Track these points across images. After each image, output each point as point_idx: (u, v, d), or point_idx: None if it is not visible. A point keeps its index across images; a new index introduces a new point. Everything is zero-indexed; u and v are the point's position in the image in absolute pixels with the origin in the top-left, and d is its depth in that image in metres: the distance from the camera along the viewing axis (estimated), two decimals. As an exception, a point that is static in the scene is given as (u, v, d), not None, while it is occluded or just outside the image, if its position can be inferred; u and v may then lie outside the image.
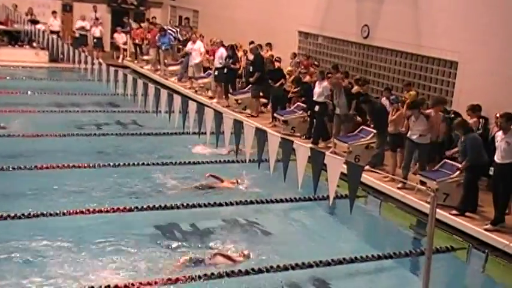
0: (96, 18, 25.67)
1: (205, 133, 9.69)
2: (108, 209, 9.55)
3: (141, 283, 7.39)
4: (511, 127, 9.74)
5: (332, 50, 17.99)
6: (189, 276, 7.61)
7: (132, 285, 7.33)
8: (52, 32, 23.08)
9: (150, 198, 10.50)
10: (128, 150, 13.35)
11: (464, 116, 11.74)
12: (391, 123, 12.09)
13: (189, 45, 20.64)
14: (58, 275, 7.65)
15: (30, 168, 11.14)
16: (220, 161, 12.66)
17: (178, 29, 23.94)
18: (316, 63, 17.67)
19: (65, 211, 9.29)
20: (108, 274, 7.74)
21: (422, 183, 10.85)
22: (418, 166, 11.77)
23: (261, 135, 8.12)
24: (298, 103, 15.49)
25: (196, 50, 20.27)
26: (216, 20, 23.68)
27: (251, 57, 17.68)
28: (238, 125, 8.64)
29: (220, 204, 10.28)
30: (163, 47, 22.36)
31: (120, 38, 25.44)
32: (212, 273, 7.74)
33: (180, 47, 22.72)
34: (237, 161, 11.56)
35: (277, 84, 16.24)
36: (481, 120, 11.81)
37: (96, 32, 24.96)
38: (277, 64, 17.11)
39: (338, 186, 6.79)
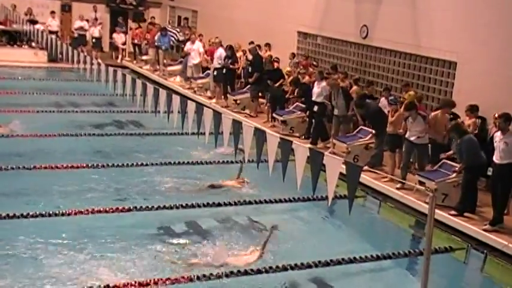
0: (95, 19, 25.67)
1: (204, 133, 9.69)
2: (107, 209, 9.54)
3: (140, 283, 7.39)
4: (510, 127, 9.76)
5: (331, 51, 18.00)
6: (188, 277, 7.62)
7: (132, 285, 7.33)
8: (50, 32, 23.06)
9: (149, 198, 10.50)
10: (127, 150, 13.36)
11: (463, 117, 11.78)
12: (390, 124, 12.10)
13: (188, 45, 20.65)
14: (57, 275, 7.65)
15: (29, 168, 11.13)
16: (218, 161, 12.66)
17: (178, 30, 23.92)
18: (315, 63, 17.69)
19: (64, 211, 9.29)
20: (108, 274, 7.74)
21: (421, 183, 10.86)
22: (417, 166, 11.79)
23: (260, 136, 8.13)
24: (297, 103, 15.51)
25: (195, 50, 20.28)
26: (215, 20, 23.68)
27: (250, 57, 17.69)
28: (237, 125, 8.64)
29: (219, 205, 10.28)
30: (163, 47, 22.38)
31: (119, 38, 25.44)
32: (211, 274, 7.74)
33: (183, 46, 22.65)
34: (236, 162, 11.55)
35: (277, 84, 16.25)
36: (478, 120, 11.82)
37: (95, 32, 24.97)
38: (275, 64, 17.12)
39: (337, 186, 6.80)
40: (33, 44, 23.67)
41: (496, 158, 9.81)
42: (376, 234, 10.73)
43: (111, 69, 14.40)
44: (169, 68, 22.09)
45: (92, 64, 16.15)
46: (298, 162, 7.22)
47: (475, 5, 13.15)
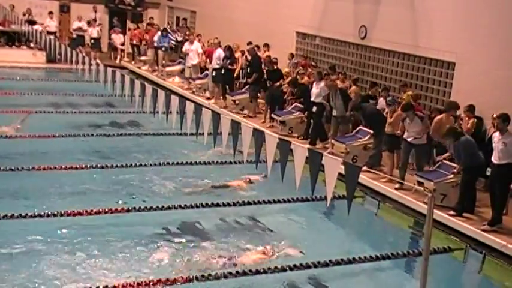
0: (94, 20, 25.67)
1: (203, 134, 9.68)
2: (106, 210, 9.54)
3: (139, 283, 7.39)
4: (508, 128, 9.77)
5: (329, 51, 18.01)
6: (187, 277, 7.61)
7: (131, 286, 7.33)
8: (49, 33, 23.04)
9: (148, 199, 10.49)
10: (125, 150, 13.34)
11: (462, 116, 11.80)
12: (388, 125, 12.10)
13: (187, 45, 20.65)
14: (56, 276, 7.64)
15: (28, 169, 11.12)
16: (217, 161, 12.65)
17: (178, 35, 23.89)
18: (313, 63, 17.69)
19: (63, 212, 9.27)
20: (107, 275, 7.74)
21: (420, 183, 10.86)
22: (416, 166, 11.79)
23: (258, 136, 8.12)
24: (296, 104, 15.51)
25: (194, 50, 20.27)
26: (214, 20, 23.68)
27: (249, 57, 17.68)
28: (235, 126, 8.64)
29: (218, 205, 10.28)
30: (163, 48, 22.39)
31: (118, 38, 25.43)
32: (209, 274, 7.74)
33: (181, 46, 22.64)
34: (235, 162, 11.54)
35: (276, 84, 16.24)
36: (474, 120, 11.83)
37: (94, 32, 24.96)
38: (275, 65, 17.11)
39: (335, 186, 6.80)
40: (32, 45, 23.66)
41: (494, 159, 9.81)
42: (375, 234, 10.73)
43: (109, 69, 14.40)
44: (168, 69, 22.08)
45: (90, 64, 16.15)
46: (297, 162, 7.22)
47: (474, 6, 13.16)
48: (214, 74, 18.33)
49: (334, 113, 13.68)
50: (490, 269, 9.10)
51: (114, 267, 7.99)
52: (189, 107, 10.11)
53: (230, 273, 7.85)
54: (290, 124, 15.12)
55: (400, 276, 8.97)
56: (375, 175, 11.04)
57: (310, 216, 10.66)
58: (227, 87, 18.12)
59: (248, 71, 17.27)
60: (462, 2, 13.58)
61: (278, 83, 16.27)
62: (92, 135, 14.31)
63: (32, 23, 23.80)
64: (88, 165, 11.75)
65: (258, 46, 18.49)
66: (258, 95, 17.20)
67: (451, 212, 10.26)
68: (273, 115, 15.78)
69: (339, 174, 6.62)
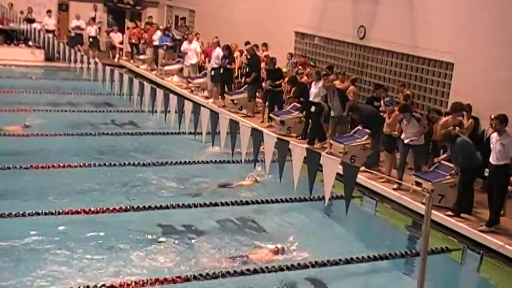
0: (92, 18, 25.65)
1: (201, 133, 9.68)
2: (104, 209, 9.53)
3: (137, 282, 7.38)
4: (506, 129, 9.77)
5: (328, 51, 18.01)
6: (185, 277, 7.61)
7: (128, 285, 7.32)
8: (47, 31, 23.05)
9: (146, 198, 10.48)
10: (124, 149, 13.34)
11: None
12: (387, 125, 12.10)
13: (185, 44, 20.64)
14: (54, 275, 7.64)
15: (26, 168, 11.11)
16: (215, 161, 12.65)
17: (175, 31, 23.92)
18: (312, 63, 17.68)
19: (61, 210, 9.27)
20: (106, 274, 7.74)
21: (418, 184, 10.87)
22: (413, 167, 11.79)
23: (257, 136, 8.13)
24: (294, 103, 15.50)
25: (192, 50, 20.26)
26: (213, 20, 23.67)
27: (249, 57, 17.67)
28: (234, 125, 8.64)
29: (216, 204, 10.27)
30: (164, 47, 22.38)
31: (116, 37, 25.41)
32: (207, 274, 7.74)
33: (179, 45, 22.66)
34: (233, 161, 11.55)
35: (276, 83, 16.23)
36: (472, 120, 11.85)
37: (92, 31, 24.95)
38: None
39: (333, 186, 6.80)
40: (30, 43, 23.63)
41: (492, 159, 9.82)
42: (373, 234, 10.73)
43: (108, 68, 14.40)
44: (167, 68, 22.07)
45: (88, 63, 16.15)
46: (295, 162, 7.23)
47: (473, 6, 13.17)
48: (213, 73, 18.33)
49: (332, 113, 13.69)
50: (487, 270, 9.10)
51: (112, 266, 7.98)
52: (188, 106, 10.12)
53: (228, 272, 7.85)
54: (289, 124, 15.11)
55: (397, 276, 8.96)
56: (373, 175, 11.04)
57: (308, 216, 10.66)
58: (226, 86, 18.10)
59: (247, 70, 17.25)
60: (461, 3, 13.59)
61: (278, 83, 16.23)
62: (90, 134, 14.30)
63: (30, 21, 23.79)
64: (86, 164, 11.72)
65: (256, 46, 18.49)
66: (257, 94, 17.20)
67: (449, 213, 10.26)
68: (271, 115, 15.78)
69: (337, 174, 6.63)
